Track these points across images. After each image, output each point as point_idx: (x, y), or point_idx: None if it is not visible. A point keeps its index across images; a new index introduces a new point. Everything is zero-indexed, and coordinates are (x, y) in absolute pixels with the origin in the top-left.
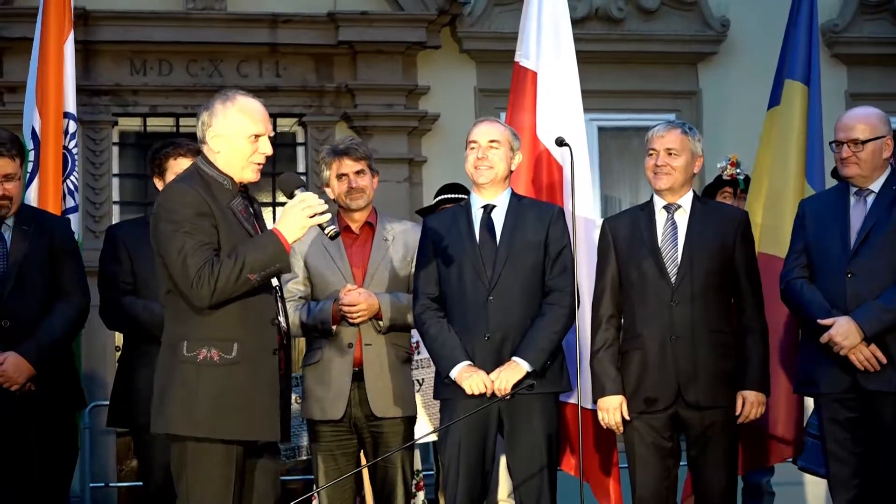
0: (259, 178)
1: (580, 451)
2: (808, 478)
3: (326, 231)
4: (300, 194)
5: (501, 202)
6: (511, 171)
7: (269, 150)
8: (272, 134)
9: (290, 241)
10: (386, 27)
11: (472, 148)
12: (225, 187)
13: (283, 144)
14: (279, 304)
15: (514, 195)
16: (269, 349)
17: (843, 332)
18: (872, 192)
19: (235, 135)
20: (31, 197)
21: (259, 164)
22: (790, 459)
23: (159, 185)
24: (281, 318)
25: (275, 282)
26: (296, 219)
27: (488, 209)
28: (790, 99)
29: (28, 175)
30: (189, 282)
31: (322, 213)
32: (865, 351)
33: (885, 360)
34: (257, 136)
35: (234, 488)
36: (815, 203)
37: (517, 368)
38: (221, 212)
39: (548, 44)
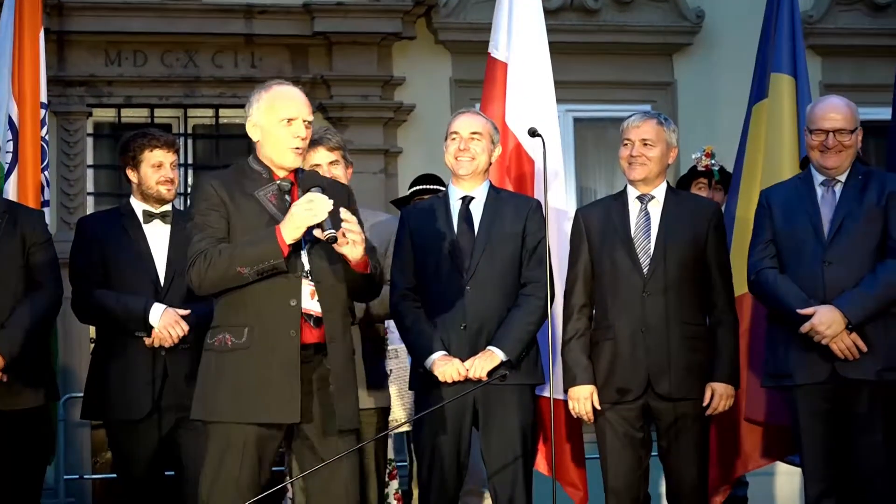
0: (297, 164)
1: (552, 442)
2: (782, 468)
3: (324, 234)
4: (309, 194)
5: (480, 194)
6: (490, 164)
7: (302, 133)
8: (309, 118)
9: (287, 239)
10: (361, 18)
11: (454, 139)
12: (262, 176)
13: None
14: (302, 287)
15: (492, 187)
16: (286, 331)
17: (826, 320)
18: (839, 181)
19: (268, 122)
20: (11, 189)
21: (296, 147)
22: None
23: (133, 176)
24: (306, 301)
25: (307, 265)
26: (295, 217)
27: (466, 200)
28: (778, 92)
29: (7, 167)
30: (186, 269)
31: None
32: (847, 339)
33: (865, 349)
34: (290, 120)
35: (249, 471)
36: (779, 192)
37: (492, 357)
38: (237, 202)
39: (519, 35)
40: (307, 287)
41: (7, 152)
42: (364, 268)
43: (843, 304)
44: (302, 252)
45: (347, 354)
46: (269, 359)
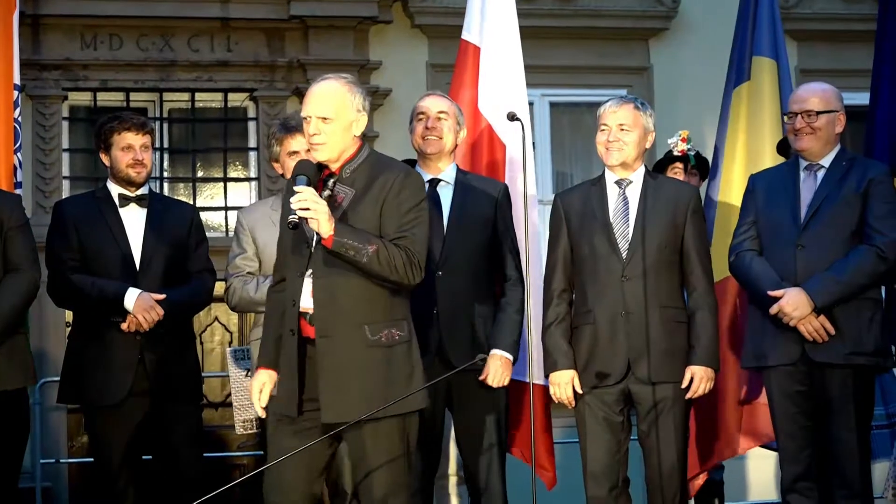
0: (320, 158)
1: (532, 429)
2: (757, 451)
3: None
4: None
5: (448, 177)
6: (456, 146)
7: (311, 130)
8: (323, 113)
9: None
10: (337, 1)
11: (420, 119)
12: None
13: (234, 119)
14: (304, 286)
15: (459, 170)
16: (288, 331)
17: (793, 302)
18: (822, 166)
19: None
20: None
21: (312, 144)
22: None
23: (105, 160)
24: (306, 299)
25: (310, 271)
26: None
27: (434, 183)
28: (759, 75)
29: None
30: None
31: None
32: (815, 322)
33: (833, 332)
34: (306, 119)
35: (288, 462)
36: (765, 177)
37: (506, 362)
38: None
39: (492, 19)
40: (308, 286)
41: None
42: (329, 245)
43: (810, 288)
44: (311, 251)
45: (348, 347)
46: (282, 355)
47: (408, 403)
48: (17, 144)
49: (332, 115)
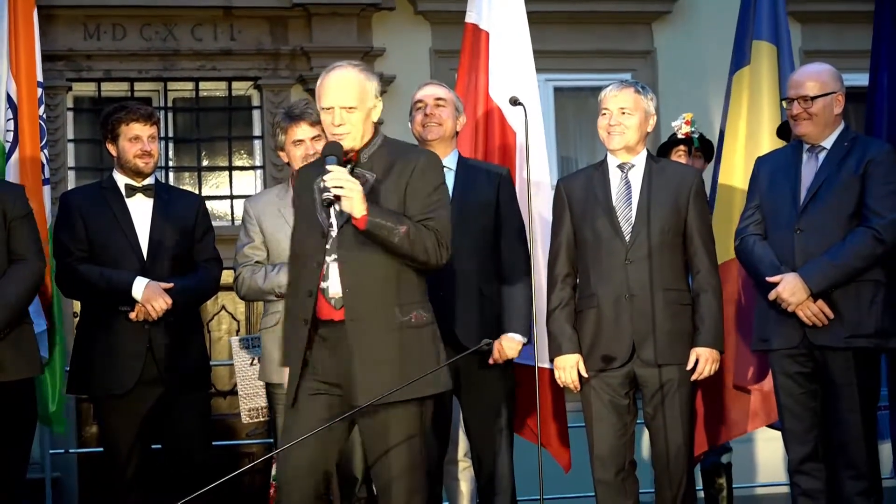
0: (354, 144)
1: (538, 411)
2: (764, 434)
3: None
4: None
5: (449, 163)
6: (457, 133)
7: (337, 121)
8: (350, 103)
9: None
10: None
11: (419, 108)
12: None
13: (238, 108)
14: (331, 270)
15: (461, 157)
16: (302, 319)
17: (789, 288)
18: (824, 148)
19: (321, 109)
20: (13, 169)
21: (335, 135)
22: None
23: (112, 150)
24: (334, 283)
25: (333, 256)
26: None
27: None
28: (759, 59)
29: (8, 146)
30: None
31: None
32: (813, 306)
33: (832, 316)
34: (327, 109)
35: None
36: (769, 160)
37: (518, 342)
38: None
39: (499, 3)
40: (335, 269)
41: (8, 131)
42: (362, 225)
43: (805, 273)
44: (332, 235)
45: (380, 329)
46: (292, 342)
47: (438, 384)
48: (44, 141)
49: (356, 104)
